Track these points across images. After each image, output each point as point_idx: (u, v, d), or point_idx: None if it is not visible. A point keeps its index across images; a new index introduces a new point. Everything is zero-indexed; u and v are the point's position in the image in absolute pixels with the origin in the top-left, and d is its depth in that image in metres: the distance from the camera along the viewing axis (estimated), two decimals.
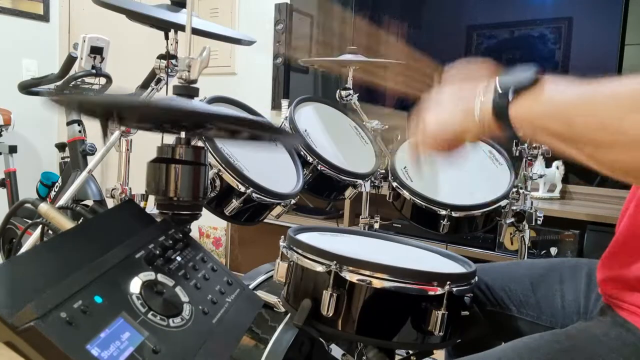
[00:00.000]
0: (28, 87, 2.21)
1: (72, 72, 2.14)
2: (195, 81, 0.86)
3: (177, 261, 0.76)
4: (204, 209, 0.96)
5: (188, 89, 0.86)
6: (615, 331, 0.78)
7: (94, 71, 2.12)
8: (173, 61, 1.45)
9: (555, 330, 0.84)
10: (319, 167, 1.40)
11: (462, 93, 0.73)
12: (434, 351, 1.14)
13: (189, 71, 0.85)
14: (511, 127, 0.66)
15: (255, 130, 0.86)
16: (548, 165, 2.29)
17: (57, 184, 2.44)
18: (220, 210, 1.22)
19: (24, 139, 3.23)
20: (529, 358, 0.77)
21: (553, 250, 2.09)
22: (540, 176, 1.88)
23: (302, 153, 1.41)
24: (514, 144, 1.63)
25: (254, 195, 1.18)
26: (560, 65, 2.27)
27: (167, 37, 1.43)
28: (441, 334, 0.92)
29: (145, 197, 1.24)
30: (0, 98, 2.92)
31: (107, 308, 0.60)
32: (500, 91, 0.67)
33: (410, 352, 1.10)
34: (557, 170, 2.31)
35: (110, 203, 1.36)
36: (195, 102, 0.82)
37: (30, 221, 0.90)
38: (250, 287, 1.28)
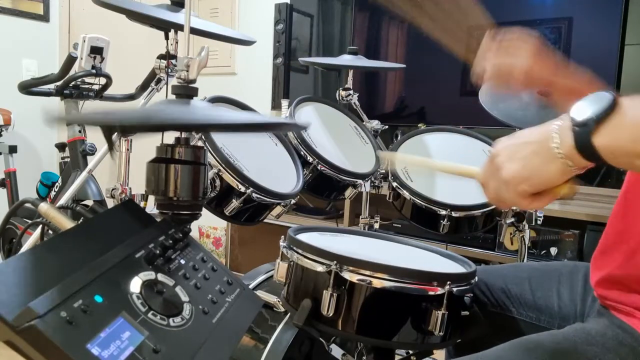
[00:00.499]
0: (28, 87, 2.21)
1: (72, 72, 2.14)
2: (194, 81, 0.85)
3: (177, 261, 0.76)
4: (204, 209, 0.96)
5: (187, 89, 0.85)
6: (611, 332, 0.78)
7: (94, 71, 2.11)
8: (173, 61, 1.45)
9: (552, 331, 0.84)
10: (319, 167, 1.40)
11: (536, 136, 0.68)
12: (434, 351, 1.14)
13: (187, 71, 0.85)
14: (599, 157, 0.63)
15: (255, 130, 0.86)
16: None
17: (57, 184, 2.43)
18: (220, 210, 1.22)
19: (24, 139, 3.23)
20: (526, 358, 0.77)
21: (553, 250, 2.09)
22: None
23: (302, 153, 1.41)
24: None
25: (254, 195, 1.18)
26: None
27: (167, 37, 1.43)
28: (441, 334, 0.92)
29: (145, 197, 1.24)
30: (0, 98, 2.92)
31: (107, 307, 0.60)
32: (579, 123, 0.63)
33: (410, 352, 1.10)
34: None
35: (110, 203, 1.36)
36: (194, 107, 0.82)
37: (30, 221, 0.90)
38: (250, 287, 1.28)
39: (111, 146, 0.84)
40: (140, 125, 0.70)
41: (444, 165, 0.90)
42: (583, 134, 0.62)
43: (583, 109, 0.63)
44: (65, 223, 0.77)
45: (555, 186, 0.68)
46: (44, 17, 3.43)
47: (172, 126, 0.74)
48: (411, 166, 1.00)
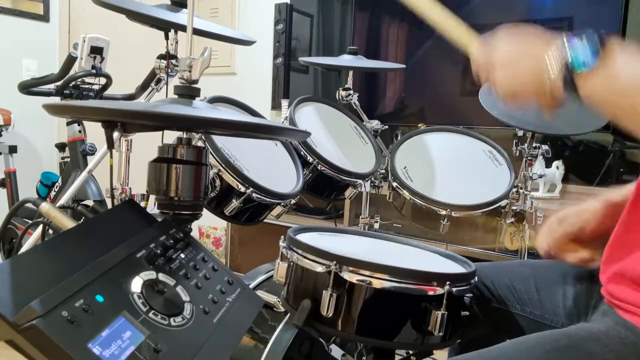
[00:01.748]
0: (28, 87, 2.20)
1: (72, 72, 2.14)
2: (196, 81, 0.85)
3: (178, 260, 0.76)
4: (204, 209, 0.96)
5: (189, 90, 0.85)
6: (615, 331, 0.78)
7: (94, 71, 2.11)
8: (173, 61, 1.45)
9: (555, 330, 0.84)
10: (319, 167, 1.40)
11: (535, 58, 0.75)
12: (434, 351, 1.14)
13: (190, 71, 0.85)
14: (578, 97, 0.71)
15: (258, 133, 0.86)
16: (548, 165, 2.28)
17: (57, 184, 2.43)
18: (220, 210, 1.22)
19: (24, 139, 3.23)
20: (527, 355, 0.77)
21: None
22: (540, 176, 1.89)
23: (302, 153, 1.41)
24: (514, 144, 1.64)
25: (254, 195, 1.18)
26: None
27: (167, 37, 1.43)
28: (441, 334, 0.92)
29: (145, 197, 1.24)
30: (0, 98, 2.92)
31: (108, 307, 0.60)
32: (569, 63, 0.70)
33: (410, 352, 1.10)
34: (557, 170, 2.30)
35: (110, 203, 1.36)
36: (196, 107, 0.82)
37: (30, 221, 0.90)
38: (250, 287, 1.28)
39: (111, 144, 0.84)
40: (143, 116, 0.70)
41: (445, 20, 0.94)
42: (571, 74, 0.70)
43: (579, 50, 0.70)
44: (67, 223, 0.77)
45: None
46: (44, 17, 3.43)
47: (178, 120, 0.74)
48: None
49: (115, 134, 1.15)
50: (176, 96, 0.85)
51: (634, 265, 0.81)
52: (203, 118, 0.75)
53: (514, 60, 0.78)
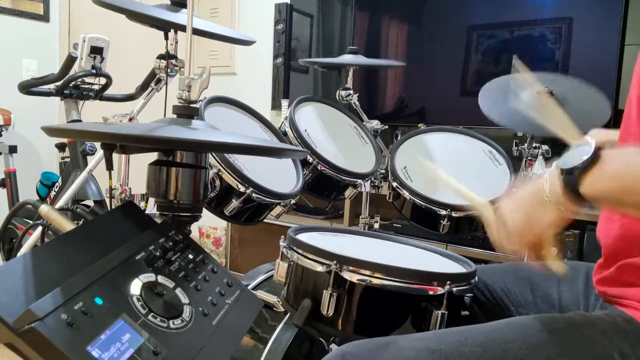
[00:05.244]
0: (28, 87, 2.20)
1: (72, 72, 2.14)
2: (195, 101, 0.85)
3: (178, 263, 0.76)
4: (203, 209, 0.96)
5: (188, 109, 0.85)
6: (611, 319, 0.79)
7: (94, 71, 2.11)
8: (173, 61, 1.45)
9: (552, 314, 0.85)
10: (319, 167, 1.40)
11: (530, 189, 0.77)
12: None
13: (189, 91, 0.84)
14: (586, 202, 0.70)
15: (259, 153, 0.86)
16: (548, 165, 2.28)
17: (57, 184, 2.43)
18: (220, 210, 1.22)
19: (24, 139, 3.23)
20: (522, 331, 0.78)
21: (553, 251, 2.09)
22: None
23: None
24: (514, 144, 1.64)
25: (254, 195, 1.18)
26: (560, 65, 2.27)
27: (166, 37, 1.43)
28: None
29: (145, 198, 1.24)
30: (0, 98, 2.92)
31: (107, 309, 0.60)
32: (564, 174, 0.70)
33: None
34: None
35: (109, 204, 1.36)
36: (195, 128, 0.81)
37: (31, 221, 0.90)
38: (250, 286, 1.28)
39: (110, 166, 0.83)
40: (142, 140, 0.70)
41: (460, 189, 1.01)
42: (570, 181, 0.69)
43: (569, 159, 0.70)
44: (66, 225, 0.77)
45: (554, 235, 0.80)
46: (44, 17, 3.43)
47: (177, 143, 0.74)
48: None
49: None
50: (175, 116, 0.84)
51: (623, 275, 0.82)
52: (203, 141, 0.75)
53: (516, 205, 0.79)
